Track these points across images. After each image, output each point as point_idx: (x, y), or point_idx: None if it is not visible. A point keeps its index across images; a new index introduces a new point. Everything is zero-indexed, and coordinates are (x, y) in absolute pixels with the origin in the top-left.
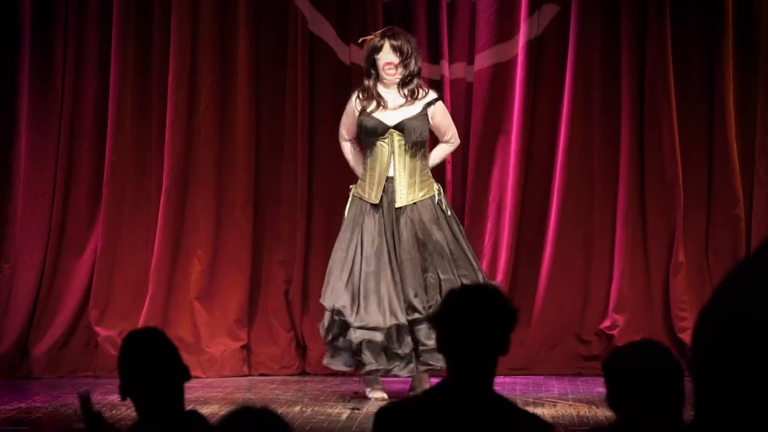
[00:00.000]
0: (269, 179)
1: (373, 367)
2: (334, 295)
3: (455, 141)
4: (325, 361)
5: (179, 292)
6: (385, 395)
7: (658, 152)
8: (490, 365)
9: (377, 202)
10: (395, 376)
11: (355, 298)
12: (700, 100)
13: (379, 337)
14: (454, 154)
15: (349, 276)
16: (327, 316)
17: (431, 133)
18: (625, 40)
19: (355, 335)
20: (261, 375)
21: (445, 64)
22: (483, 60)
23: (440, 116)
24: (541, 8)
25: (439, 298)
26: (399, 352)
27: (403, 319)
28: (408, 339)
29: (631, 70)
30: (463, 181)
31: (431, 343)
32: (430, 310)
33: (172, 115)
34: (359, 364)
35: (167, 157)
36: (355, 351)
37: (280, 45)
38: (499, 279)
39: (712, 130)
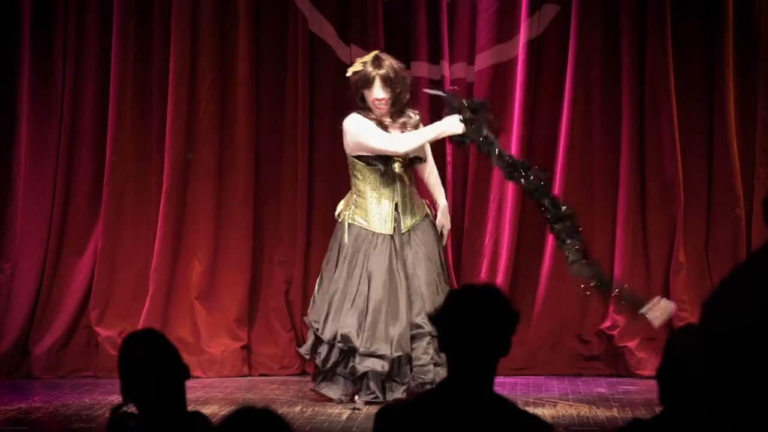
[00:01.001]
0: (269, 179)
1: (374, 397)
2: (336, 324)
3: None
4: (320, 387)
5: (179, 292)
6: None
7: (658, 152)
8: (490, 366)
9: (391, 233)
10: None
11: (361, 325)
12: (701, 100)
13: (384, 367)
14: (454, 154)
15: (353, 305)
16: (325, 346)
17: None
18: (626, 41)
19: (362, 364)
20: (261, 375)
21: (445, 64)
22: (483, 60)
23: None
24: (541, 8)
25: None
26: (398, 380)
27: (408, 348)
28: (407, 369)
29: (631, 70)
30: (463, 181)
31: (427, 358)
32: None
33: (172, 115)
34: (357, 391)
35: (167, 158)
36: (356, 378)
37: (280, 45)
38: (499, 280)
39: (713, 130)
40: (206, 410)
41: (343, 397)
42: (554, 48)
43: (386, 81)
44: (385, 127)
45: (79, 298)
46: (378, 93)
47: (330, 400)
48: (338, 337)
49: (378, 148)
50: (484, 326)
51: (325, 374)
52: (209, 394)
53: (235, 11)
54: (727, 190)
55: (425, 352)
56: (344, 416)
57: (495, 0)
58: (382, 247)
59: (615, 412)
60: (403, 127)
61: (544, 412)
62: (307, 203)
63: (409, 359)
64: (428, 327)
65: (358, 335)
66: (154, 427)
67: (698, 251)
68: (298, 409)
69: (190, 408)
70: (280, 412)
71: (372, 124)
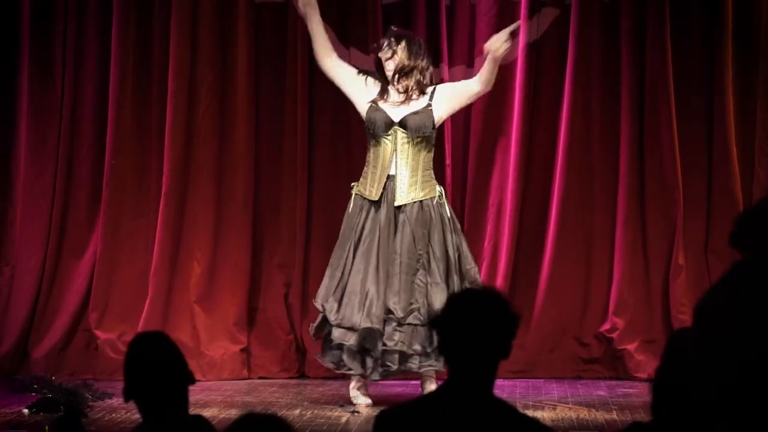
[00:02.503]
0: (269, 182)
1: (349, 370)
2: (324, 293)
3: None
4: (317, 356)
5: (179, 295)
6: (369, 401)
7: (658, 155)
8: (490, 369)
9: (377, 199)
10: (370, 379)
11: (337, 298)
12: (700, 103)
13: (352, 339)
14: (454, 156)
15: (341, 274)
16: (319, 315)
17: (439, 132)
18: (625, 43)
19: (335, 334)
20: (261, 378)
21: (445, 67)
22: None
23: (447, 88)
24: (540, 11)
25: (425, 302)
26: (373, 355)
27: (378, 324)
28: (379, 344)
29: (630, 74)
30: (462, 183)
31: (392, 344)
32: (409, 314)
33: (171, 117)
34: (339, 365)
35: (167, 160)
36: (335, 348)
37: (279, 47)
38: (499, 282)
39: (712, 133)
40: (206, 413)
41: (332, 367)
42: (553, 51)
43: (389, 43)
44: (384, 93)
45: (78, 300)
46: (384, 53)
47: (329, 402)
48: (324, 307)
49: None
50: (484, 329)
51: (324, 344)
52: (208, 397)
53: (234, 13)
54: (727, 192)
55: (390, 338)
56: (343, 419)
57: (494, 3)
58: (371, 215)
59: (614, 415)
60: (405, 91)
61: (544, 415)
62: (306, 206)
63: (381, 335)
64: (399, 314)
65: (334, 308)
66: (155, 429)
67: (698, 254)
68: (297, 412)
69: (190, 411)
70: (279, 415)
71: (358, 71)
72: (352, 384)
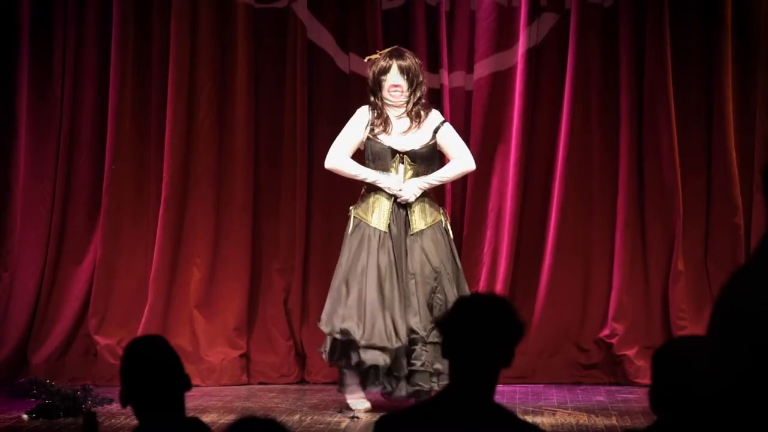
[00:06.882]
0: (268, 187)
1: (382, 389)
2: (337, 318)
3: (468, 161)
4: (342, 391)
5: (178, 301)
6: (368, 405)
7: (657, 160)
8: (492, 376)
9: (386, 230)
10: (397, 396)
11: (361, 319)
12: (699, 108)
13: (387, 359)
14: None
15: (358, 300)
16: (328, 340)
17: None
18: (624, 49)
19: (366, 356)
20: (260, 383)
21: (444, 72)
22: (482, 68)
23: (449, 138)
24: (540, 17)
25: None
26: (397, 374)
27: (405, 341)
28: (404, 362)
29: (630, 79)
30: (462, 189)
31: (419, 363)
32: (431, 332)
33: (171, 123)
34: (366, 383)
35: (166, 166)
36: (364, 371)
37: (279, 53)
38: (498, 288)
39: (711, 139)
40: (205, 418)
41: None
42: (553, 56)
43: (403, 70)
44: (387, 124)
45: (78, 306)
46: (395, 79)
47: (329, 408)
48: (341, 330)
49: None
50: (489, 335)
51: (342, 373)
52: (208, 403)
53: (234, 20)
54: (726, 198)
55: (417, 358)
56: (343, 425)
57: (494, 9)
58: (383, 242)
59: (614, 421)
60: (417, 118)
61: (543, 421)
62: (305, 211)
63: (407, 353)
64: (422, 333)
65: (358, 328)
66: None
67: (697, 260)
68: (296, 417)
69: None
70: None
71: (354, 129)
72: (349, 390)
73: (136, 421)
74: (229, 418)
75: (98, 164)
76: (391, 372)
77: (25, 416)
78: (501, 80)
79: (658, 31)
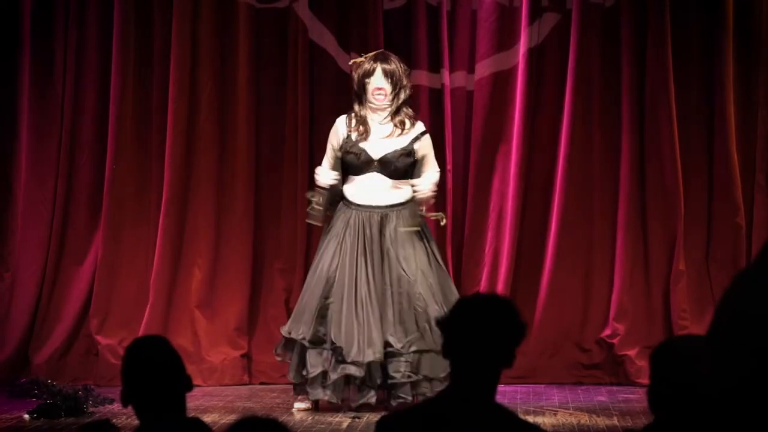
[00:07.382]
0: (269, 187)
1: (351, 401)
2: (303, 323)
3: (437, 171)
4: (307, 394)
5: (179, 301)
6: (308, 405)
7: (659, 161)
8: (493, 376)
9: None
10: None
11: (329, 326)
12: (701, 109)
13: (359, 372)
14: (454, 162)
15: (326, 302)
16: (297, 347)
17: (440, 137)
18: (626, 49)
19: (351, 370)
20: (261, 383)
21: (445, 72)
22: (483, 69)
23: (426, 149)
24: (541, 17)
25: (426, 327)
26: (370, 384)
27: (380, 355)
28: (379, 374)
29: (631, 79)
30: (463, 190)
31: (399, 376)
32: (409, 344)
33: (172, 124)
34: (334, 395)
35: (167, 166)
36: (332, 382)
37: (280, 54)
38: (500, 288)
39: (713, 139)
40: (206, 419)
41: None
42: (554, 57)
43: (387, 73)
44: (367, 132)
45: (79, 306)
46: (379, 82)
47: (328, 408)
48: (306, 340)
49: None
50: (490, 336)
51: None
52: (209, 403)
53: (235, 20)
54: (728, 199)
55: (396, 371)
56: (344, 425)
57: (495, 9)
58: (357, 242)
59: (615, 421)
60: (401, 126)
61: (545, 421)
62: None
63: (381, 367)
64: (398, 345)
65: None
66: None
67: (698, 260)
68: (298, 417)
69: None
70: (280, 420)
71: (330, 144)
72: (295, 388)
73: (137, 422)
74: (230, 418)
75: (99, 164)
76: (364, 383)
77: (26, 416)
78: (502, 80)
79: (659, 31)
